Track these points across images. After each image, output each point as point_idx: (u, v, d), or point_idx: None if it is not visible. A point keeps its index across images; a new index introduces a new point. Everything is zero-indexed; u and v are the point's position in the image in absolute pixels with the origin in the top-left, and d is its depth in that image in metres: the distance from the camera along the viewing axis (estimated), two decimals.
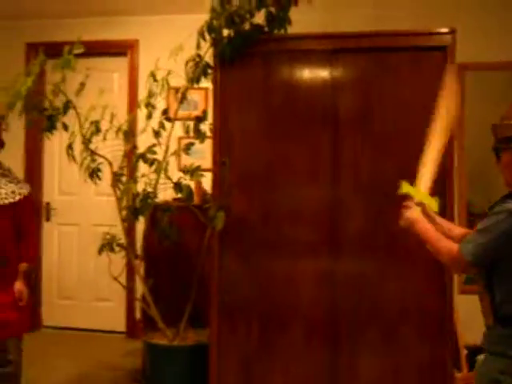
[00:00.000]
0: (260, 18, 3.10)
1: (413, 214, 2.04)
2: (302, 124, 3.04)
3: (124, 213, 3.47)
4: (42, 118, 3.32)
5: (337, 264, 2.96)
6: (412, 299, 2.90)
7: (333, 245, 2.97)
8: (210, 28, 3.06)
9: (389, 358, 2.91)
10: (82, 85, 3.30)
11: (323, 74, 2.98)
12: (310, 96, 3.01)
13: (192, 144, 3.39)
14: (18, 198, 2.86)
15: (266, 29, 3.11)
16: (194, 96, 4.29)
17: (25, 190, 2.93)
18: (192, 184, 3.47)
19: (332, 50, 2.95)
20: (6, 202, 2.81)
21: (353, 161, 2.95)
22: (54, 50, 3.50)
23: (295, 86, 3.03)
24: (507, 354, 1.84)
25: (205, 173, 3.34)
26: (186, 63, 3.30)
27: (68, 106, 3.25)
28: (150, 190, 3.33)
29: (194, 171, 3.22)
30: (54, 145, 4.83)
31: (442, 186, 2.81)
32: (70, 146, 3.34)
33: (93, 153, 3.42)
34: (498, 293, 1.89)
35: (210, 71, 3.21)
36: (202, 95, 4.45)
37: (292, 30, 3.16)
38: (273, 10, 3.08)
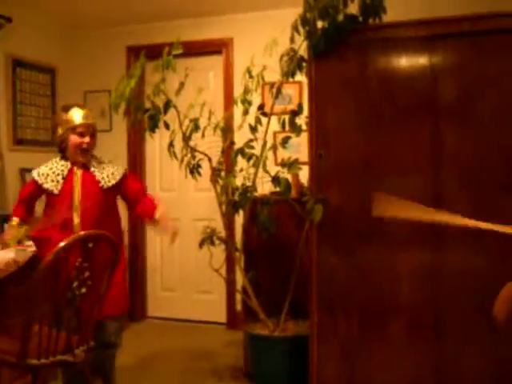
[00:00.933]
0: (354, 7, 3.07)
1: None
2: (401, 114, 2.98)
3: (224, 207, 3.56)
4: (143, 118, 3.48)
5: (439, 256, 2.89)
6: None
7: (435, 237, 2.89)
8: (304, 21, 3.06)
9: (494, 352, 2.80)
10: (182, 84, 3.41)
11: (422, 61, 2.90)
12: (408, 85, 2.94)
13: (289, 138, 3.42)
14: (118, 177, 3.11)
15: (360, 18, 3.07)
16: (289, 90, 4.31)
17: (121, 169, 3.20)
18: (289, 177, 3.51)
19: (430, 36, 2.86)
20: (110, 184, 3.07)
21: (455, 151, 2.85)
22: (152, 52, 3.65)
23: (393, 75, 2.97)
24: None
25: (302, 166, 3.37)
26: (281, 58, 3.32)
27: (168, 105, 3.38)
28: (248, 184, 3.40)
29: (291, 164, 3.25)
30: (155, 144, 5.04)
31: None
32: (171, 144, 3.47)
33: (193, 149, 3.53)
34: None
35: (304, 64, 3.22)
36: (297, 89, 4.47)
37: (387, 18, 3.10)
38: None
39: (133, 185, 3.22)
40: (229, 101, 4.64)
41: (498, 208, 2.79)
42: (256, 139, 3.49)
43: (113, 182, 3.09)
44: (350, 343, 3.04)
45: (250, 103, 3.54)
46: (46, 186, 3.02)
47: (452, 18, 2.87)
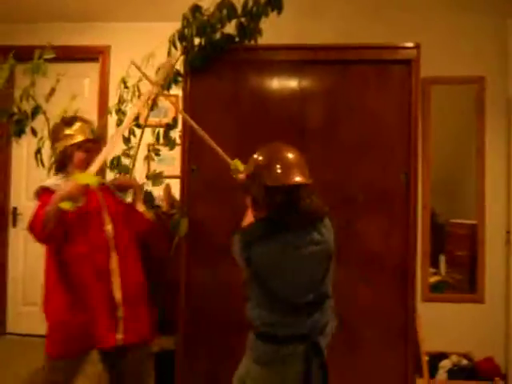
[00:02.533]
0: (231, 27, 3.15)
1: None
2: (271, 133, 3.08)
3: None
4: (9, 123, 3.31)
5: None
6: (375, 305, 2.96)
7: None
8: (182, 36, 3.10)
9: (351, 363, 2.96)
10: (53, 90, 3.29)
11: (292, 84, 3.04)
12: (278, 106, 3.06)
13: (159, 150, 3.42)
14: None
15: (237, 39, 3.16)
16: (164, 103, 4.30)
17: None
18: (160, 190, 3.49)
19: (301, 61, 3.02)
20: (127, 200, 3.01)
21: (318, 170, 2.99)
22: (24, 54, 3.48)
23: (264, 95, 3.08)
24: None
25: (175, 180, 3.37)
26: (157, 70, 3.32)
27: (37, 111, 3.24)
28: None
29: (155, 177, 3.24)
30: (22, 150, 4.79)
31: (405, 196, 2.90)
32: (38, 151, 3.33)
33: None
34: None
35: (180, 79, 3.24)
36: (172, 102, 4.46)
37: (262, 40, 3.21)
38: (244, 20, 3.13)
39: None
40: (103, 110, 4.54)
41: (357, 227, 2.97)
42: (129, 150, 3.45)
43: (129, 199, 2.96)
44: (216, 357, 3.07)
45: (124, 113, 3.49)
46: None
47: (320, 46, 3.05)
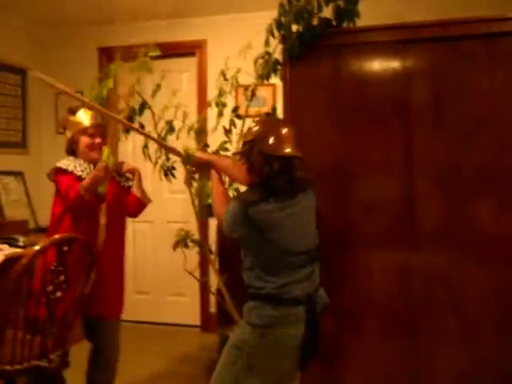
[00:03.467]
0: (328, 12, 3.10)
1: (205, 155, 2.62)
2: (374, 117, 3.02)
3: (198, 210, 3.56)
4: None
5: (412, 256, 2.93)
6: (493, 293, 2.83)
7: (409, 238, 2.94)
8: (279, 24, 3.08)
9: (469, 352, 2.86)
10: (158, 86, 3.40)
11: (394, 65, 2.95)
12: (381, 88, 2.98)
13: None
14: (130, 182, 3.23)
15: (335, 22, 3.11)
16: (262, 93, 4.33)
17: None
18: None
19: (403, 41, 2.91)
20: (128, 184, 3.20)
21: (427, 153, 2.91)
22: (125, 54, 3.61)
23: (366, 78, 3.01)
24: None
25: None
26: (255, 61, 3.34)
27: (144, 106, 3.36)
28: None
29: None
30: (128, 145, 5.00)
31: None
32: (145, 146, 3.45)
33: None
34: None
35: (279, 67, 3.24)
36: (270, 91, 4.49)
37: (360, 22, 3.14)
38: (341, 3, 3.07)
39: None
40: (202, 103, 4.64)
41: (469, 209, 2.86)
42: (230, 142, 3.50)
43: (130, 183, 3.18)
44: (325, 345, 3.06)
45: (224, 105, 3.54)
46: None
47: (423, 24, 2.93)
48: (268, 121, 2.44)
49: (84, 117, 3.06)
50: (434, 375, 2.91)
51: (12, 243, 3.63)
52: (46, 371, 2.38)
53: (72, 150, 3.07)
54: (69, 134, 3.07)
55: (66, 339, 2.48)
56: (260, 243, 2.21)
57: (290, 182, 2.25)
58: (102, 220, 2.90)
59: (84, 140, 3.02)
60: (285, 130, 2.32)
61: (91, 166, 2.98)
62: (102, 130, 3.07)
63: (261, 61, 3.30)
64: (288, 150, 2.27)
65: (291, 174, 2.26)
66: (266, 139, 2.26)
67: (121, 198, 3.11)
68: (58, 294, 2.34)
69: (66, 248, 2.32)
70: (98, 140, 3.03)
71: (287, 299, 2.20)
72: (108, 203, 2.95)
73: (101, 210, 2.92)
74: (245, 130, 3.50)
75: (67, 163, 2.97)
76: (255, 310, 2.26)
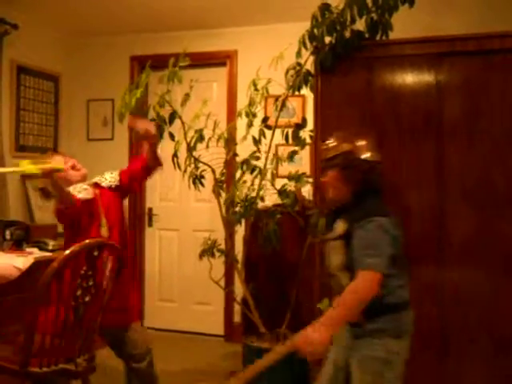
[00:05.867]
0: (361, 24, 3.10)
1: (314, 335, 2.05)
2: (406, 130, 3.00)
3: (226, 217, 3.57)
4: None
5: (443, 273, 2.89)
6: None
7: (439, 254, 2.90)
8: (312, 36, 3.09)
9: (501, 372, 2.80)
10: (187, 95, 3.43)
11: (428, 78, 2.93)
12: (413, 102, 2.97)
13: (295, 152, 3.44)
14: (117, 177, 3.10)
15: (367, 35, 3.11)
16: (292, 103, 4.33)
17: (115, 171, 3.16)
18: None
19: (437, 54, 2.90)
20: (116, 183, 3.06)
21: (459, 167, 2.88)
22: (156, 63, 3.65)
23: (398, 92, 3.00)
24: None
25: (308, 182, 3.40)
26: (287, 72, 3.35)
27: (174, 116, 3.39)
28: (253, 195, 3.41)
29: (299, 177, 3.27)
30: None
31: None
32: (175, 154, 3.48)
33: (196, 160, 3.54)
34: None
35: (310, 79, 3.24)
36: (300, 102, 4.49)
37: (393, 35, 3.14)
38: (374, 15, 3.07)
39: (131, 167, 3.20)
40: (232, 113, 4.66)
41: (501, 225, 2.81)
42: (259, 151, 3.51)
43: (116, 182, 3.05)
44: None
45: (254, 115, 3.56)
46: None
47: (458, 37, 2.91)
48: (345, 134, 2.38)
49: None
50: None
51: (41, 247, 3.68)
52: (73, 375, 2.40)
53: None
54: None
55: (93, 344, 2.49)
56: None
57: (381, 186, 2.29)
58: (104, 233, 2.83)
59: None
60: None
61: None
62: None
63: (292, 72, 3.31)
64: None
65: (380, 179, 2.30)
66: (362, 148, 2.25)
67: (115, 202, 3.02)
68: (87, 298, 2.36)
69: (96, 253, 2.34)
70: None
71: (407, 303, 2.21)
72: (106, 214, 2.89)
73: (99, 223, 2.85)
74: (274, 140, 3.54)
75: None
76: (394, 320, 2.17)
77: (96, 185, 3.01)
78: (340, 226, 2.18)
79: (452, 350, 2.88)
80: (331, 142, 2.30)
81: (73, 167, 2.96)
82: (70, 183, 2.89)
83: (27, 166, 2.37)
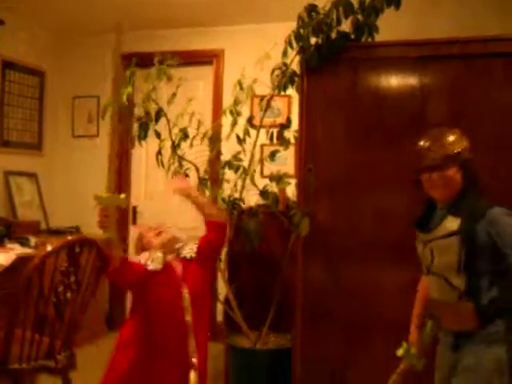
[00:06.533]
0: (347, 25, 3.12)
1: None
2: (389, 131, 3.02)
3: None
4: (130, 126, 3.48)
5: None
6: None
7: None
8: (298, 36, 3.10)
9: None
10: (174, 94, 3.42)
11: (412, 81, 2.95)
12: (397, 104, 2.99)
13: (277, 151, 3.45)
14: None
15: (353, 36, 3.12)
16: (278, 103, 4.34)
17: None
18: (276, 190, 3.52)
19: (421, 57, 2.92)
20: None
21: None
22: (142, 61, 3.63)
23: (383, 93, 3.02)
24: None
25: (289, 184, 3.40)
26: (272, 71, 3.35)
27: (160, 114, 3.38)
28: (236, 195, 3.41)
29: (280, 178, 3.27)
30: (141, 151, 5.02)
31: None
32: (159, 152, 3.48)
33: (181, 158, 3.54)
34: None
35: (296, 79, 3.25)
36: (285, 102, 4.51)
37: (379, 37, 3.15)
38: (360, 17, 3.09)
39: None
40: (217, 111, 4.66)
41: None
42: (244, 151, 3.52)
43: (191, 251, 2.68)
44: (333, 356, 3.06)
45: (239, 114, 3.56)
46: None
47: (442, 41, 2.94)
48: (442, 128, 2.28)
49: None
50: None
51: (24, 243, 3.66)
52: (52, 371, 2.39)
53: None
54: None
55: (74, 341, 2.48)
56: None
57: None
58: (187, 317, 2.45)
59: None
60: None
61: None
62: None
63: (278, 71, 3.32)
64: None
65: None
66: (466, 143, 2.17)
67: (197, 273, 2.63)
68: (68, 295, 2.35)
69: (77, 250, 2.33)
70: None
71: None
72: (191, 292, 2.51)
73: (179, 294, 2.48)
74: (259, 140, 3.54)
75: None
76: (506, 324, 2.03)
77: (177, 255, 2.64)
78: (450, 223, 2.06)
79: None
80: (451, 136, 2.16)
81: (158, 234, 2.64)
82: (147, 248, 2.62)
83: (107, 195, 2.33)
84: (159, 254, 2.57)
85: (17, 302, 2.22)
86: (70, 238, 2.34)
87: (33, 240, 3.73)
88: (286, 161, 4.24)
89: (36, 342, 2.28)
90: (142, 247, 2.66)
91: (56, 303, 2.32)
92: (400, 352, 2.28)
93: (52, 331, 2.35)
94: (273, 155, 3.44)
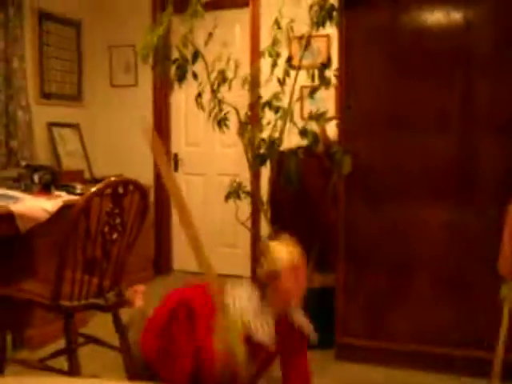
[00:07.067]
0: None
1: None
2: (432, 66, 2.92)
3: (250, 159, 3.55)
4: (170, 70, 3.45)
5: (468, 213, 2.86)
6: None
7: (464, 192, 2.87)
8: None
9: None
10: (210, 35, 3.37)
11: (455, 12, 2.83)
12: (441, 36, 2.88)
13: (317, 89, 3.37)
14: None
15: None
16: (317, 44, 4.23)
17: None
18: (317, 131, 3.47)
19: None
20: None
21: (487, 102, 2.80)
22: (178, 6, 3.56)
23: (425, 26, 2.91)
24: None
25: (329, 121, 3.34)
26: (310, 7, 3.26)
27: (197, 55, 3.34)
28: (276, 136, 3.38)
29: (319, 116, 3.22)
30: (180, 99, 5.02)
31: None
32: (199, 95, 3.45)
33: (220, 102, 3.51)
34: None
35: (334, 14, 3.16)
36: (325, 42, 4.39)
37: None
38: None
39: None
40: (255, 54, 4.58)
41: None
42: (283, 92, 3.46)
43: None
44: (376, 295, 3.06)
45: (278, 55, 3.49)
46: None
47: None
48: None
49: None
50: (482, 325, 2.87)
51: (69, 190, 3.73)
52: (103, 309, 2.47)
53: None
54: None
55: (121, 280, 2.54)
56: None
57: None
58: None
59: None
60: None
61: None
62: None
63: (316, 7, 3.22)
64: None
65: None
66: None
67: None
68: (114, 235, 2.40)
69: (121, 191, 2.36)
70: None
71: None
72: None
73: None
74: (298, 82, 3.48)
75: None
76: None
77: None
78: None
79: (474, 286, 2.88)
80: None
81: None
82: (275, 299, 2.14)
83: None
84: (271, 322, 1.99)
85: (65, 243, 2.27)
86: (112, 179, 2.36)
87: (79, 187, 3.80)
88: (327, 102, 4.16)
89: (86, 282, 2.35)
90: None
91: (103, 244, 2.37)
92: (504, 292, 2.22)
93: (100, 271, 2.41)
94: (312, 93, 3.37)
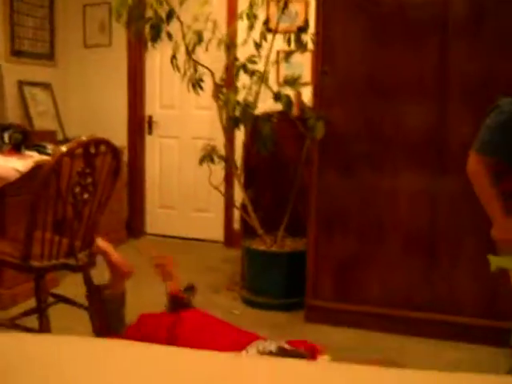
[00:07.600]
0: None
1: None
2: (410, 33, 2.92)
3: (225, 123, 3.53)
4: (144, 30, 3.39)
5: (439, 179, 2.90)
6: None
7: (437, 158, 2.90)
8: None
9: (485, 269, 2.87)
10: None
11: None
12: (419, 3, 2.87)
13: (292, 52, 3.36)
14: None
15: None
16: (295, 7, 4.19)
17: None
18: (292, 96, 3.46)
19: None
20: None
21: (463, 68, 2.82)
22: None
23: None
24: None
25: (304, 86, 3.33)
26: None
27: (171, 14, 3.28)
28: (250, 99, 3.36)
29: (294, 81, 3.20)
30: (156, 59, 4.94)
31: None
32: (174, 56, 3.40)
33: (196, 63, 3.46)
34: None
35: None
36: (302, 6, 4.34)
37: None
38: None
39: None
40: (232, 16, 4.51)
41: None
42: (259, 56, 3.43)
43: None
44: (346, 259, 3.11)
45: (255, 17, 3.45)
46: None
47: None
48: None
49: None
50: (451, 289, 2.94)
51: (41, 150, 3.67)
52: (73, 269, 2.47)
53: None
54: None
55: (92, 240, 2.54)
56: None
57: None
58: None
59: None
60: None
61: None
62: None
63: None
64: None
65: None
66: None
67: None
68: (85, 195, 2.38)
69: (92, 150, 2.33)
70: None
71: None
72: None
73: None
74: (275, 46, 3.45)
75: None
76: None
77: None
78: None
79: (440, 251, 2.94)
80: None
81: None
82: None
83: None
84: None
85: (35, 203, 2.24)
86: (84, 138, 2.33)
87: (50, 148, 3.74)
88: (303, 67, 4.14)
89: (56, 242, 2.33)
90: None
91: (74, 204, 2.35)
92: (492, 267, 2.25)
93: (71, 231, 2.39)
94: (288, 56, 3.35)
